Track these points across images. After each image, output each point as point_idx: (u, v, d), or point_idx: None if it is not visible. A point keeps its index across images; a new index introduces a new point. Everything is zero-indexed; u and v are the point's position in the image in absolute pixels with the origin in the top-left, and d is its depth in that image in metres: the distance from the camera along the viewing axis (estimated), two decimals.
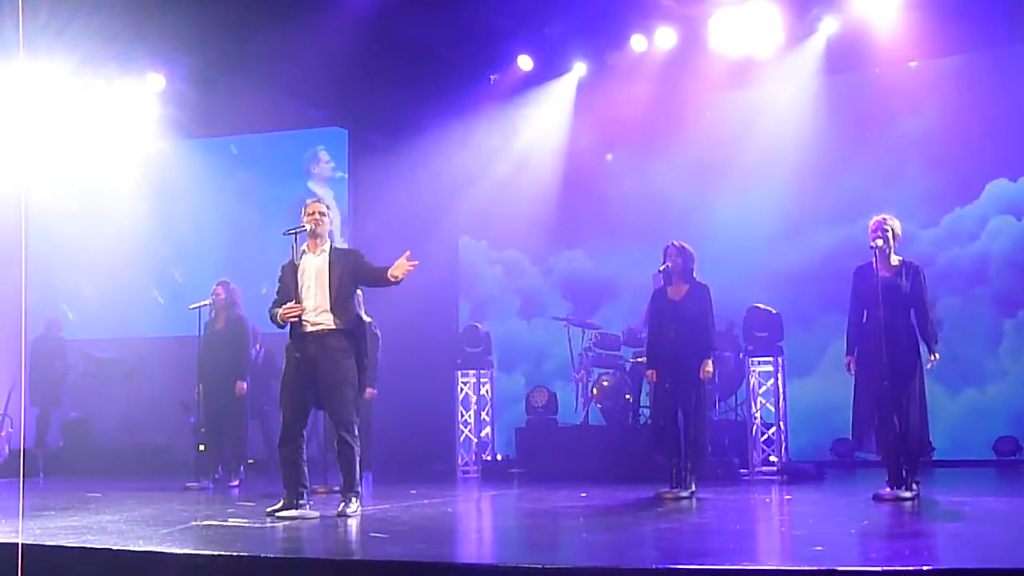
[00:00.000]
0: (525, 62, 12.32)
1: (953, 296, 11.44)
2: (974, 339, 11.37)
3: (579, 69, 12.53)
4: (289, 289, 6.76)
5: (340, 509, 6.56)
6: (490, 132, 12.65)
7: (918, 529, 6.04)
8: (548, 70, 12.48)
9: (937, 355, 7.23)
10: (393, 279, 6.61)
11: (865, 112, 11.85)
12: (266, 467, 11.05)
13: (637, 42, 11.79)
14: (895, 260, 7.33)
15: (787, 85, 11.70)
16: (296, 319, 6.64)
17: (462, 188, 12.58)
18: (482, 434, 11.37)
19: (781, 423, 9.95)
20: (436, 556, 5.18)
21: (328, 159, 13.62)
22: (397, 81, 12.03)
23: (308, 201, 7.01)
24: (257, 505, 7.32)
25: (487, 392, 11.47)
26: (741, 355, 10.33)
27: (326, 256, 6.79)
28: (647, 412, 9.74)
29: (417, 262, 6.59)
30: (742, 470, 9.83)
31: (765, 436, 9.98)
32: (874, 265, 7.23)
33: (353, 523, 6.33)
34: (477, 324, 11.74)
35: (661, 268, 7.88)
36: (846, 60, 11.52)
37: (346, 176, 13.51)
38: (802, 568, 4.28)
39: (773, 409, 9.97)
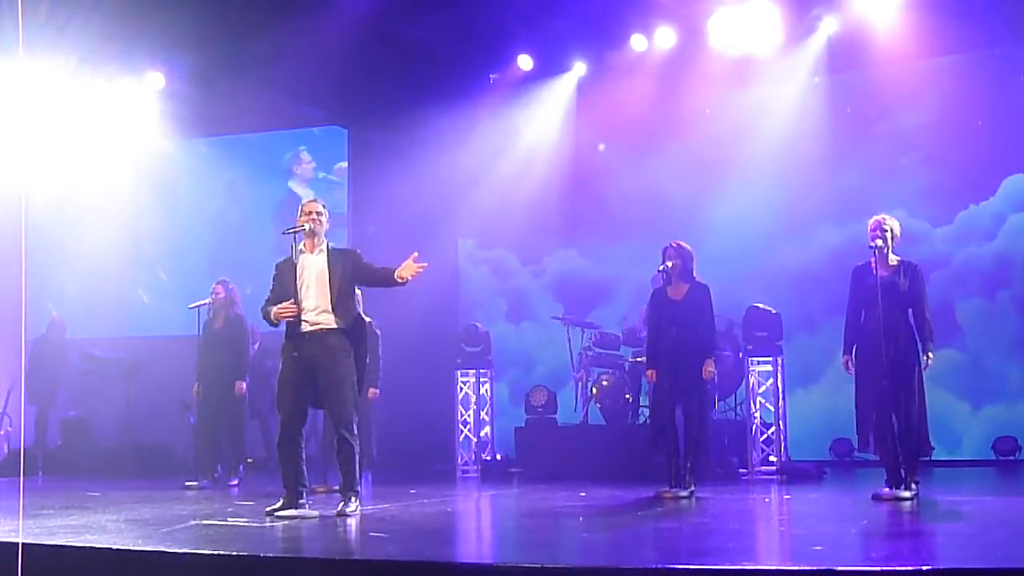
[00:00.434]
0: (525, 61, 12.33)
1: (974, 299, 11.19)
2: (997, 347, 11.08)
3: (579, 69, 12.55)
4: (288, 288, 6.76)
5: (339, 508, 6.56)
6: (490, 131, 12.64)
7: (917, 529, 6.05)
8: (548, 69, 12.49)
9: (932, 356, 7.22)
10: (400, 280, 6.59)
11: (869, 110, 11.74)
12: (265, 466, 11.05)
13: (637, 41, 11.80)
14: (893, 260, 7.34)
15: (787, 84, 11.68)
16: (292, 319, 6.63)
17: (463, 187, 12.56)
18: (482, 434, 11.37)
19: (780, 423, 9.94)
20: (435, 556, 5.18)
21: (309, 160, 13.62)
22: (397, 80, 12.03)
23: (304, 200, 7.02)
24: (256, 504, 7.32)
25: (487, 392, 11.47)
26: (741, 355, 10.32)
27: (325, 256, 6.78)
28: (647, 412, 9.75)
29: (426, 264, 6.56)
30: (741, 470, 9.83)
31: (764, 436, 9.99)
32: (873, 265, 7.24)
33: (352, 522, 6.33)
34: (477, 324, 11.74)
35: (661, 268, 7.88)
36: (847, 59, 11.49)
37: (328, 176, 13.49)
38: (802, 568, 4.28)
39: (772, 409, 9.97)
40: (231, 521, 6.44)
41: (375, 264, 6.84)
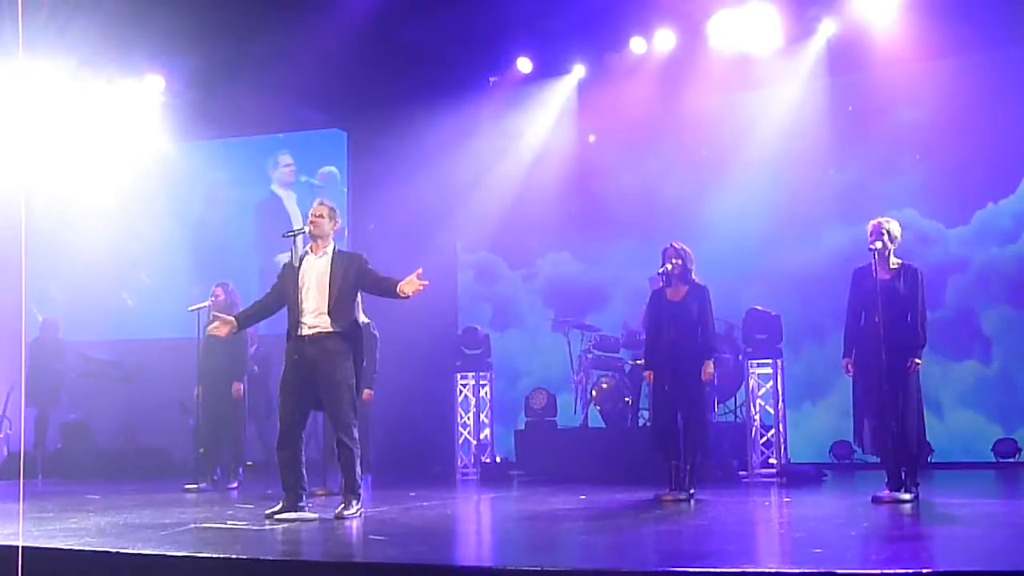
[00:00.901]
0: (524, 64, 12.34)
1: (1000, 306, 10.78)
2: None
3: (578, 71, 12.56)
4: (287, 290, 6.76)
5: (339, 511, 6.55)
6: (490, 134, 12.65)
7: (917, 531, 6.04)
8: (547, 72, 12.50)
9: (919, 360, 7.21)
10: (402, 295, 6.59)
11: (873, 108, 11.60)
12: (265, 469, 11.04)
13: (636, 44, 11.82)
14: (894, 262, 7.34)
15: (787, 86, 11.67)
16: (218, 334, 7.04)
17: (462, 190, 12.56)
18: (481, 436, 11.37)
19: (780, 425, 9.94)
20: (435, 558, 5.18)
21: (289, 163, 13.62)
22: (396, 83, 12.04)
23: (314, 203, 7.01)
24: (256, 507, 7.31)
25: (486, 394, 11.46)
26: (740, 357, 10.32)
27: (328, 259, 6.78)
28: (646, 414, 9.75)
29: (427, 282, 6.55)
30: (741, 472, 9.83)
31: (764, 438, 9.98)
32: (873, 267, 7.24)
33: (352, 525, 6.32)
34: (476, 326, 11.74)
35: (660, 270, 7.88)
36: (847, 60, 11.49)
37: (311, 180, 13.48)
38: (801, 570, 4.28)
39: (772, 411, 9.97)
40: (230, 524, 6.43)
41: (379, 272, 6.81)
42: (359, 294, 6.91)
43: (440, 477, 10.91)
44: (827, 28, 11.43)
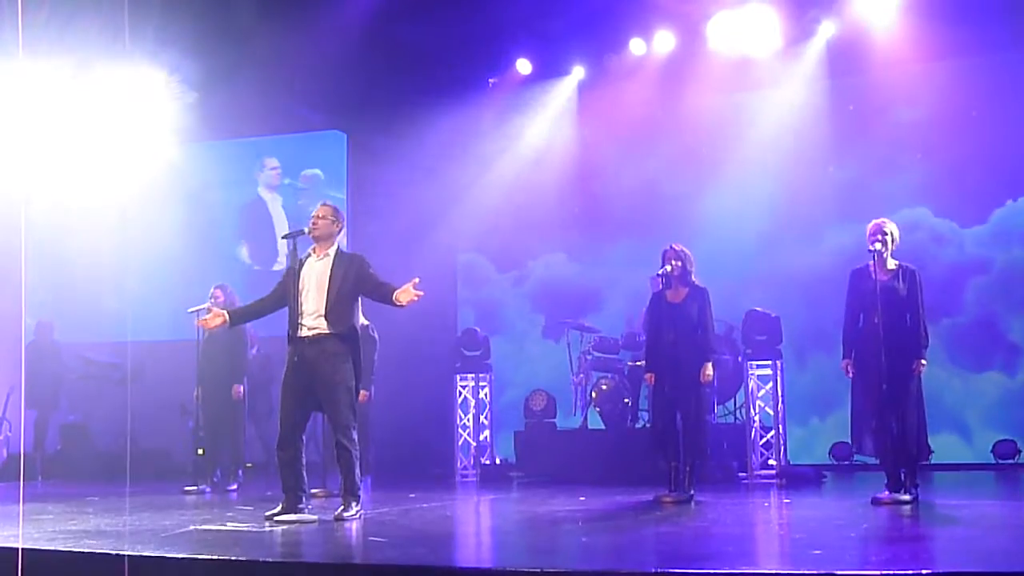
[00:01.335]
0: (524, 66, 12.34)
1: None
2: None
3: (578, 72, 12.57)
4: (287, 291, 6.77)
5: (339, 513, 6.55)
6: (491, 135, 12.65)
7: (917, 533, 6.04)
8: (547, 73, 12.51)
9: (925, 362, 7.22)
10: (397, 303, 6.58)
11: (877, 107, 11.54)
12: (265, 471, 11.04)
13: (636, 45, 11.82)
14: (892, 264, 7.35)
15: (787, 87, 11.66)
16: (206, 325, 7.07)
17: (462, 191, 12.57)
18: (481, 438, 11.36)
19: (780, 427, 9.94)
20: (435, 560, 5.17)
21: (275, 165, 13.61)
22: (396, 84, 12.04)
23: (318, 204, 7.00)
24: (256, 509, 7.31)
25: (486, 396, 11.46)
26: (740, 359, 10.32)
27: (329, 261, 6.78)
28: (646, 416, 9.75)
29: (423, 292, 6.55)
30: (741, 474, 9.83)
31: (764, 440, 9.98)
32: (871, 269, 7.25)
33: (352, 527, 6.32)
34: (476, 328, 11.74)
35: (660, 271, 7.88)
36: (847, 62, 11.49)
37: (295, 183, 13.51)
38: (801, 572, 4.28)
39: (772, 412, 9.97)
40: (230, 526, 6.43)
41: (380, 276, 6.78)
42: (360, 296, 6.89)
43: (440, 479, 10.91)
44: (827, 29, 11.44)
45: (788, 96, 11.65)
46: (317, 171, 13.52)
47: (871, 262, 7.26)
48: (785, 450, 10.00)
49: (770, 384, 10.01)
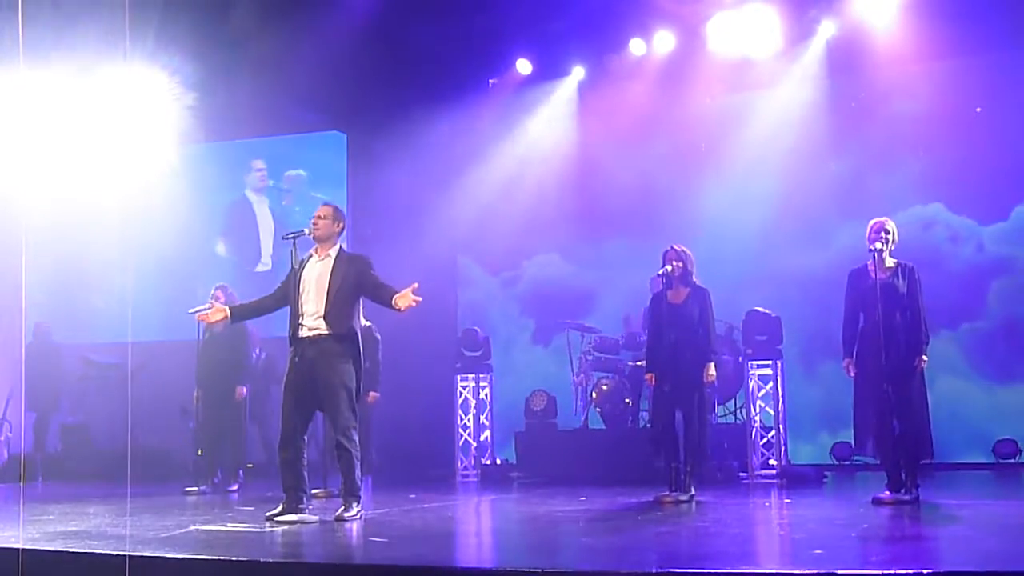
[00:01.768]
0: (524, 66, 12.35)
1: None
2: None
3: (578, 73, 12.58)
4: (287, 292, 6.77)
5: (339, 513, 6.55)
6: (491, 136, 12.66)
7: (918, 532, 6.04)
8: (547, 74, 12.51)
9: (926, 358, 7.22)
10: (395, 308, 6.58)
11: (875, 107, 11.48)
12: (265, 471, 11.03)
13: (636, 45, 11.83)
14: (891, 262, 7.35)
15: (787, 87, 11.66)
16: (205, 320, 7.12)
17: (462, 192, 12.56)
18: (481, 438, 11.36)
19: (780, 426, 9.94)
20: (436, 560, 5.18)
21: (261, 167, 13.60)
22: (396, 85, 12.05)
23: (319, 204, 7.01)
24: (256, 509, 7.31)
25: (486, 396, 11.46)
26: (740, 359, 10.32)
27: (331, 261, 6.77)
28: (646, 416, 9.74)
29: (420, 299, 6.54)
30: (741, 474, 9.83)
31: (764, 440, 9.98)
32: (870, 267, 7.25)
33: (353, 527, 6.32)
34: (476, 328, 11.73)
35: (661, 272, 7.88)
36: (847, 62, 11.47)
37: (278, 184, 13.51)
38: (802, 572, 4.28)
39: (772, 412, 9.97)
40: (231, 526, 6.43)
41: (380, 278, 6.77)
42: (360, 297, 6.89)
43: (440, 479, 10.91)
44: (827, 29, 11.44)
45: (789, 95, 11.63)
46: (300, 171, 13.51)
47: (870, 261, 7.27)
48: (786, 450, 10.00)
49: (770, 384, 10.01)
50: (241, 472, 9.99)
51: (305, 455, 6.73)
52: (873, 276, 7.21)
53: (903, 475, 7.17)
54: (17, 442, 12.27)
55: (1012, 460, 10.61)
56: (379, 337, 9.26)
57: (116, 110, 12.41)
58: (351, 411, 6.64)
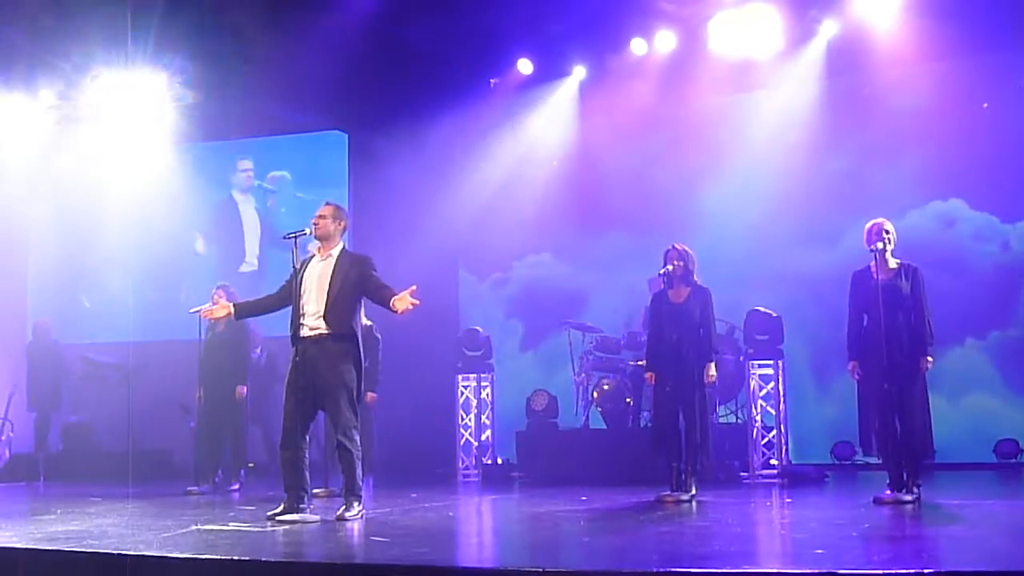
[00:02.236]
0: (525, 66, 12.35)
1: None
2: None
3: (579, 72, 12.58)
4: (289, 291, 6.77)
5: (340, 513, 6.55)
6: (492, 136, 12.65)
7: (919, 532, 6.04)
8: (548, 74, 12.51)
9: (931, 359, 7.21)
10: (394, 310, 6.58)
11: (878, 105, 11.41)
12: (267, 471, 11.04)
13: (637, 45, 11.82)
14: (893, 263, 7.35)
15: (788, 87, 11.64)
16: (209, 316, 7.23)
17: (463, 192, 12.56)
18: (482, 438, 11.36)
19: (782, 426, 9.94)
20: (437, 560, 5.18)
21: (247, 168, 13.60)
22: (397, 85, 12.05)
23: (322, 203, 7.01)
24: (258, 509, 7.31)
25: (487, 396, 11.46)
26: (741, 358, 10.32)
27: (333, 261, 6.77)
28: (648, 415, 9.74)
29: (419, 301, 6.54)
30: (743, 473, 9.83)
31: (766, 439, 9.98)
32: (873, 269, 7.25)
33: (354, 527, 6.32)
34: (477, 328, 11.73)
35: (662, 271, 7.88)
36: (848, 62, 11.46)
37: (263, 184, 13.53)
38: (803, 571, 4.28)
39: (774, 412, 9.97)
40: (232, 526, 6.43)
41: (381, 279, 6.77)
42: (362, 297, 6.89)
43: (441, 478, 10.92)
44: (828, 29, 11.43)
45: (790, 95, 11.62)
46: (284, 173, 13.52)
47: (872, 263, 7.27)
48: (787, 450, 10.00)
49: (772, 384, 10.01)
50: (242, 472, 10.00)
51: (306, 455, 6.73)
52: (875, 277, 7.20)
53: (905, 475, 7.16)
54: (19, 441, 12.30)
55: (1013, 460, 10.60)
56: (380, 337, 9.26)
57: (117, 111, 12.42)
58: (352, 411, 6.64)
